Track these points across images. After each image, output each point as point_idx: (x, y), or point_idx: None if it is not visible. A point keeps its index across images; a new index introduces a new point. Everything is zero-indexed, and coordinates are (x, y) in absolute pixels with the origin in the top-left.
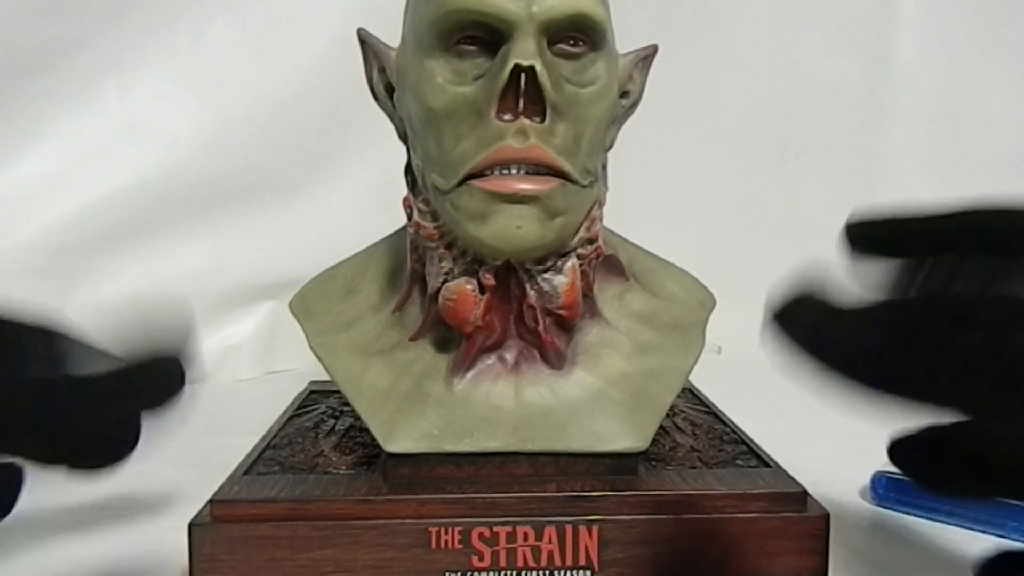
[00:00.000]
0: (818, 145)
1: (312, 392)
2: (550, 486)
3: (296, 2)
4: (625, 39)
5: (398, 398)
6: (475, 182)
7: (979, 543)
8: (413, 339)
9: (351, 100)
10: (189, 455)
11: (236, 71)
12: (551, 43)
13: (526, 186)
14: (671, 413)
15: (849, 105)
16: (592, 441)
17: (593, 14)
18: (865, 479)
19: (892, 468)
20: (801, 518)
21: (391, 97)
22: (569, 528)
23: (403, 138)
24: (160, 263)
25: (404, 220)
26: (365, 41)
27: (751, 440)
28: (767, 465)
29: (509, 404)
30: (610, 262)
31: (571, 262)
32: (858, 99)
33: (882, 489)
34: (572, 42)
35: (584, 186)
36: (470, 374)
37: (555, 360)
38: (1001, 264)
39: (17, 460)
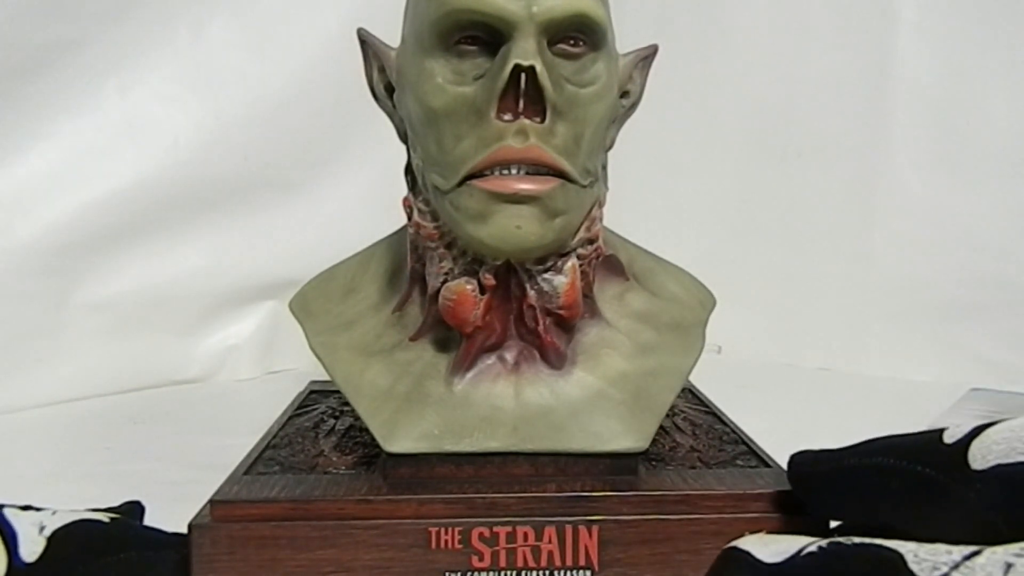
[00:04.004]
0: (818, 145)
1: (312, 392)
2: (550, 486)
3: (296, 2)
4: (625, 39)
5: (398, 398)
6: (475, 182)
7: None
8: (413, 339)
9: (351, 100)
10: (189, 455)
11: (236, 71)
12: (551, 43)
13: (526, 186)
14: (671, 413)
15: (849, 105)
16: (592, 441)
17: (593, 14)
18: None
19: None
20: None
21: (391, 97)
22: (569, 528)
23: (403, 138)
24: (160, 263)
25: (404, 220)
26: (365, 41)
27: (751, 440)
28: (767, 465)
29: (509, 404)
30: (610, 262)
31: (571, 262)
32: (858, 99)
33: None
34: (572, 42)
35: (584, 186)
36: (470, 374)
37: (555, 360)
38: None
39: None
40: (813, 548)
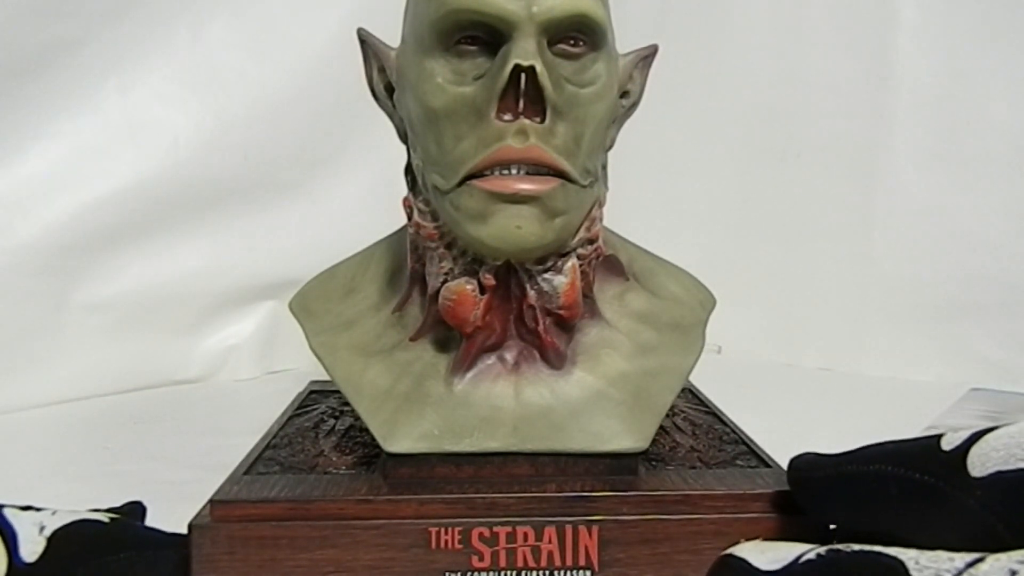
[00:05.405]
0: (818, 145)
1: (312, 392)
2: (550, 486)
3: (296, 2)
4: (625, 39)
5: (398, 398)
6: (475, 182)
7: None
8: (413, 339)
9: (351, 100)
10: (189, 455)
11: (236, 71)
12: (551, 43)
13: (526, 186)
14: (671, 413)
15: (849, 105)
16: (592, 441)
17: (593, 14)
18: None
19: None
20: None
21: (391, 97)
22: (569, 528)
23: (403, 138)
24: (160, 263)
25: (404, 220)
26: (365, 41)
27: (751, 440)
28: (767, 465)
29: (509, 404)
30: (610, 262)
31: (571, 262)
32: (858, 99)
33: None
34: (572, 42)
35: (584, 186)
36: (470, 374)
37: (555, 360)
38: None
39: None
40: (811, 555)
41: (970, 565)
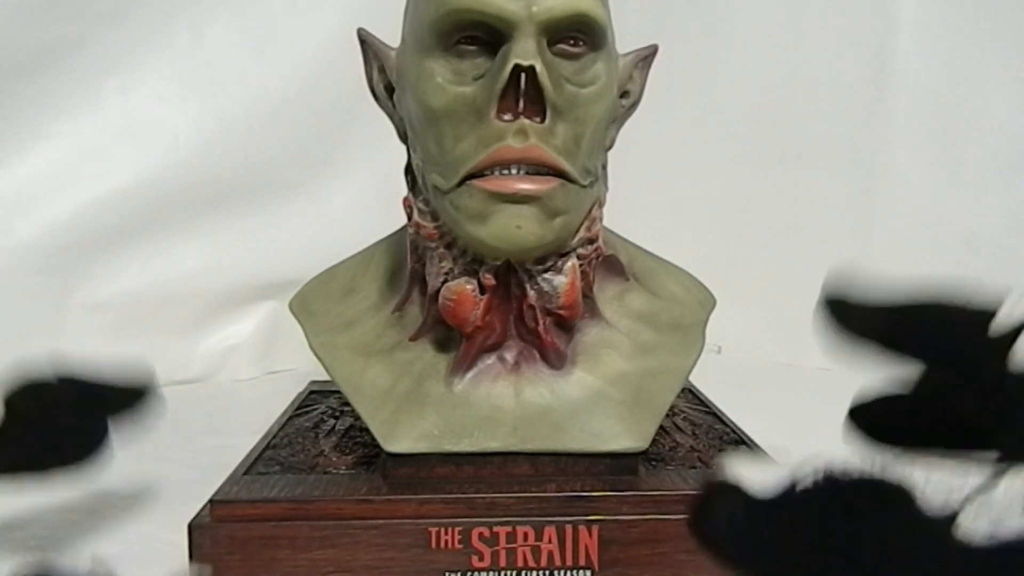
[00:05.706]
0: (818, 145)
1: (312, 392)
2: (550, 486)
3: (296, 2)
4: (625, 39)
5: (398, 398)
6: (475, 182)
7: None
8: (413, 339)
9: (351, 100)
10: (189, 455)
11: (236, 71)
12: (551, 43)
13: (526, 186)
14: (671, 413)
15: (849, 105)
16: (592, 441)
17: (593, 14)
18: None
19: None
20: None
21: (391, 97)
22: (569, 528)
23: (403, 138)
24: (160, 263)
25: (404, 220)
26: (365, 41)
27: (751, 440)
28: None
29: (509, 404)
30: (610, 262)
31: (571, 262)
32: (858, 99)
33: None
34: (572, 42)
35: (584, 186)
36: (470, 374)
37: (555, 360)
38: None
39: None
40: (809, 482)
41: (981, 490)
